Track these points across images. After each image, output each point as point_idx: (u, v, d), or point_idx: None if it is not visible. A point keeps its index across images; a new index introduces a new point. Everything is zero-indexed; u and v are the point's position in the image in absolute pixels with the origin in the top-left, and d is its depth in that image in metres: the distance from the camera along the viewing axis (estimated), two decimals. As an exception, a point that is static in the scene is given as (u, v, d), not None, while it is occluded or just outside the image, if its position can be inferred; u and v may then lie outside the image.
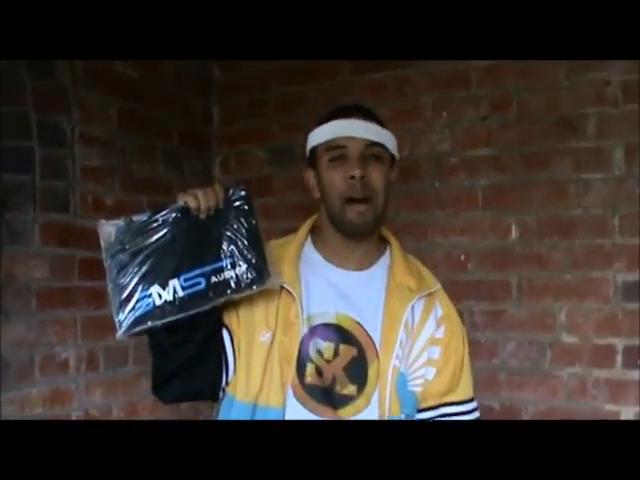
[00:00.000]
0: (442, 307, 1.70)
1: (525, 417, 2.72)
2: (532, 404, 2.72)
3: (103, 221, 1.51)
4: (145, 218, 1.51)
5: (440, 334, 1.67)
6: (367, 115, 1.67)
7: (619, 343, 2.58)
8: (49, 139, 2.57)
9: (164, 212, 1.52)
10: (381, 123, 1.68)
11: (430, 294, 1.69)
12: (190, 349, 1.55)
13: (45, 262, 2.54)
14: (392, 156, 1.70)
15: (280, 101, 3.16)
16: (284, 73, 3.17)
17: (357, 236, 1.65)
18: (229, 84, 3.36)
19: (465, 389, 1.72)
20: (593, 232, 2.63)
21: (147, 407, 2.87)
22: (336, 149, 1.62)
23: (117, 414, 2.78)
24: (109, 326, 1.52)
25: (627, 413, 2.55)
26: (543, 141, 2.71)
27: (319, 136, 1.67)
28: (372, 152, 1.63)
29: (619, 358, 2.58)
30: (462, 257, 2.84)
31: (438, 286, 1.72)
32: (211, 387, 1.64)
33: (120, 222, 1.51)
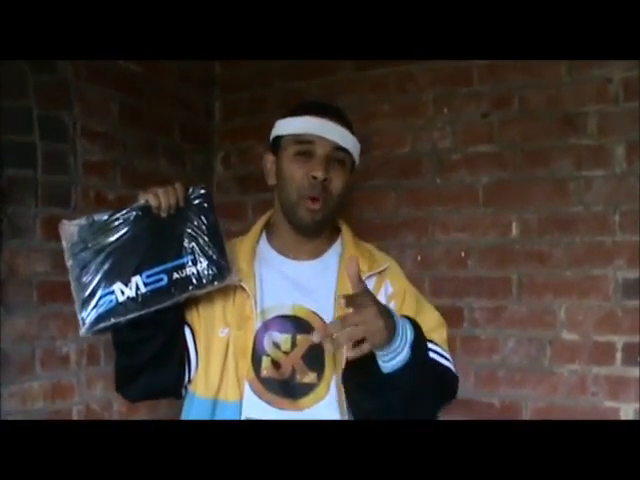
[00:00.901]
0: (392, 284, 1.70)
1: (525, 414, 2.72)
2: (532, 401, 2.72)
3: (65, 221, 1.55)
4: (107, 217, 1.54)
5: None
6: (340, 118, 1.69)
7: (619, 340, 2.58)
8: (51, 134, 2.57)
9: (125, 211, 1.55)
10: (351, 128, 1.70)
11: (380, 273, 1.69)
12: (154, 345, 1.57)
13: (46, 256, 2.54)
14: (353, 162, 1.72)
15: (281, 97, 3.16)
16: (285, 69, 3.17)
17: (306, 232, 1.68)
18: (230, 80, 3.36)
19: None
20: (594, 229, 2.63)
21: (147, 401, 2.87)
22: (304, 144, 1.64)
23: (118, 408, 2.79)
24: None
25: (627, 410, 2.56)
26: (544, 138, 2.72)
27: (289, 126, 1.68)
28: (338, 156, 1.65)
29: (619, 355, 2.58)
30: (462, 254, 2.84)
31: (388, 264, 1.72)
32: (174, 384, 1.65)
33: (82, 221, 1.53)
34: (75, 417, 2.63)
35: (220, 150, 3.39)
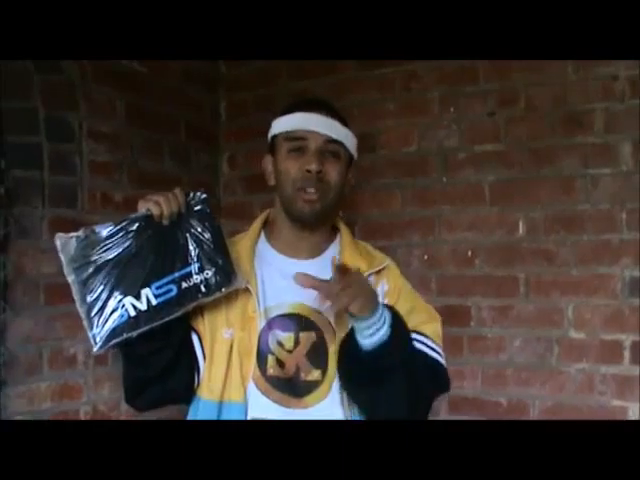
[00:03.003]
0: (388, 282, 1.73)
1: (532, 413, 2.71)
2: (539, 400, 2.72)
3: (61, 234, 1.51)
4: (108, 230, 1.51)
5: None
6: (330, 112, 1.71)
7: (626, 339, 2.57)
8: (57, 135, 2.57)
9: (127, 222, 1.52)
10: (343, 121, 1.71)
11: (379, 271, 1.73)
12: (165, 356, 1.57)
13: (53, 257, 2.50)
14: (350, 156, 1.74)
15: (287, 97, 3.15)
16: (291, 68, 3.18)
17: (306, 225, 1.69)
18: (236, 80, 3.37)
19: None
20: (601, 227, 2.62)
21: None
22: (296, 140, 1.66)
23: (125, 409, 2.78)
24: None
25: (634, 409, 2.54)
26: (550, 136, 2.71)
27: (281, 125, 1.71)
28: (331, 149, 1.67)
29: (626, 354, 2.57)
30: (469, 252, 2.84)
31: (386, 262, 1.75)
32: (185, 391, 1.66)
33: (80, 234, 1.51)
34: (82, 418, 2.64)
35: (226, 150, 3.39)
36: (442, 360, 1.70)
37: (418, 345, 1.66)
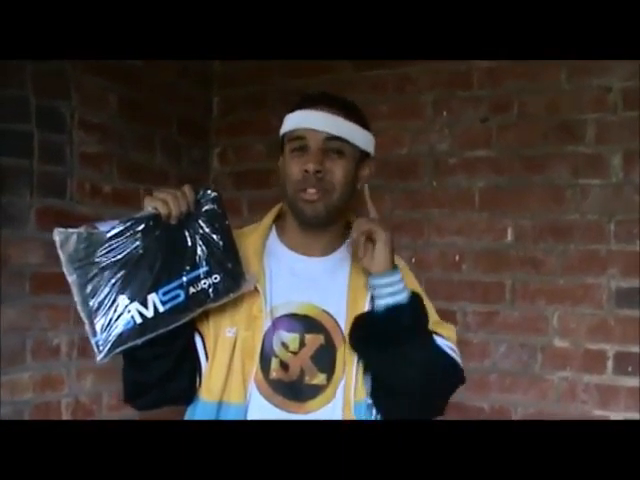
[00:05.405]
0: None
1: (514, 419, 2.72)
2: (522, 406, 2.72)
3: (61, 229, 1.41)
4: (113, 229, 1.41)
5: None
6: (333, 106, 1.61)
7: (610, 349, 2.58)
8: (48, 124, 2.56)
9: (133, 221, 1.42)
10: (350, 116, 1.62)
11: None
12: (168, 362, 1.51)
13: (40, 247, 2.53)
14: (361, 151, 1.64)
15: (280, 94, 3.15)
16: (285, 67, 3.16)
17: (311, 226, 1.62)
18: (229, 76, 3.36)
19: None
20: (589, 237, 2.63)
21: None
22: (297, 140, 1.59)
23: (107, 401, 2.78)
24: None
25: (616, 419, 2.56)
26: (542, 144, 2.72)
27: (286, 124, 1.64)
28: (333, 146, 1.58)
29: (610, 364, 2.58)
30: (457, 257, 2.84)
31: (400, 265, 1.65)
32: (186, 393, 1.60)
33: (81, 230, 1.40)
34: (64, 409, 2.63)
35: (217, 145, 3.38)
36: (458, 359, 1.64)
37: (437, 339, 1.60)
